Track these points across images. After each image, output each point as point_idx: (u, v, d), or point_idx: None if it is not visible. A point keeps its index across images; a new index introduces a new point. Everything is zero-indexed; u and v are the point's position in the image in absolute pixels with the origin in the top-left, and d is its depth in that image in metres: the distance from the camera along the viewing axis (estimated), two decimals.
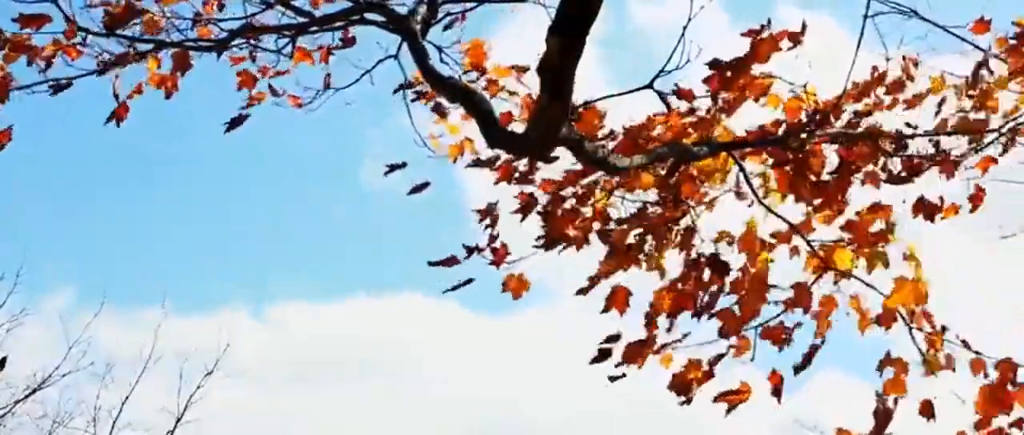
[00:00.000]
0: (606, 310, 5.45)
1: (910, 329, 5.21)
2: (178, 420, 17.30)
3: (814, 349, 5.30)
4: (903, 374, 5.22)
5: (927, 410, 5.21)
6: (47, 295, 26.16)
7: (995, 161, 5.49)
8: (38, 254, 25.74)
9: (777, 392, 5.24)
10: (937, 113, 5.51)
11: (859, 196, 5.51)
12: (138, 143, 24.44)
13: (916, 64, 5.54)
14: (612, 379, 5.32)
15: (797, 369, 5.27)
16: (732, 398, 5.24)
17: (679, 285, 5.41)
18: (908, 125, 5.49)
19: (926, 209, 5.51)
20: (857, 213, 5.42)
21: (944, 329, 5.20)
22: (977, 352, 5.18)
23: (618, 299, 5.46)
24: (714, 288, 5.34)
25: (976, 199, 5.52)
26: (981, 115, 5.50)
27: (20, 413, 16.58)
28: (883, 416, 4.00)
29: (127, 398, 17.31)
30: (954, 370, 5.21)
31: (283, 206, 26.38)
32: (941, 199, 5.52)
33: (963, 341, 5.18)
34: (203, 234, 25.56)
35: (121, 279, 24.87)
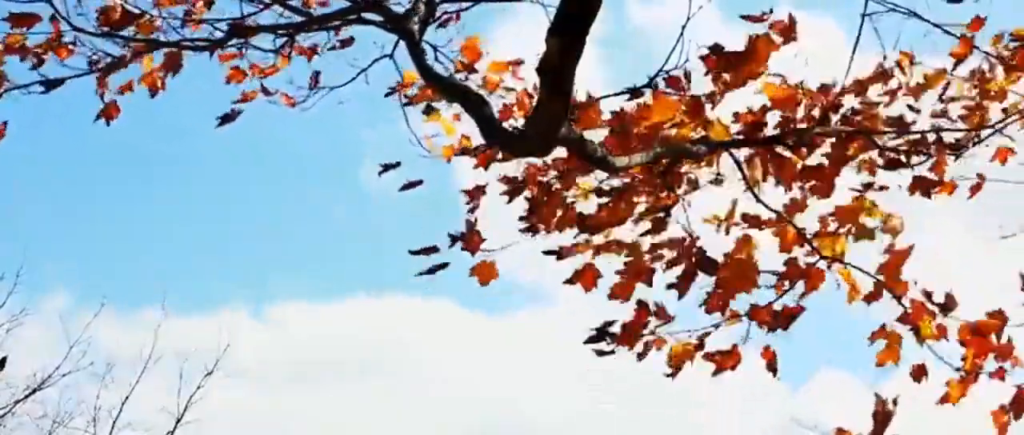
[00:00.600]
0: (571, 282, 5.47)
1: (899, 301, 5.24)
2: (178, 420, 17.31)
3: (798, 309, 5.31)
4: (896, 345, 5.29)
5: (919, 373, 5.28)
6: (46, 296, 26.05)
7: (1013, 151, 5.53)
8: (36, 255, 25.58)
9: (772, 367, 5.24)
10: (940, 97, 5.53)
11: (854, 181, 5.54)
12: (136, 143, 24.42)
13: (912, 61, 5.55)
14: (601, 353, 5.31)
15: (771, 328, 5.29)
16: (722, 360, 5.26)
17: (645, 258, 5.42)
18: (910, 108, 5.50)
19: (923, 186, 5.51)
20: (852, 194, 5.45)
21: (929, 295, 5.23)
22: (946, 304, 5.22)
23: (586, 276, 5.48)
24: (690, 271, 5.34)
25: (976, 188, 5.54)
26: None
27: (20, 413, 16.56)
28: (882, 417, 4.01)
29: (127, 398, 17.33)
30: (947, 338, 5.24)
31: (282, 206, 26.36)
32: (941, 178, 5.53)
33: (939, 304, 5.21)
34: (202, 234, 25.53)
35: (120, 279, 24.77)
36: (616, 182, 5.53)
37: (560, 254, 5.53)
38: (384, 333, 23.73)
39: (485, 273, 5.67)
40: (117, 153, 25.50)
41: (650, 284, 5.39)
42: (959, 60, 5.46)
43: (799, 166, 5.42)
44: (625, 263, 5.46)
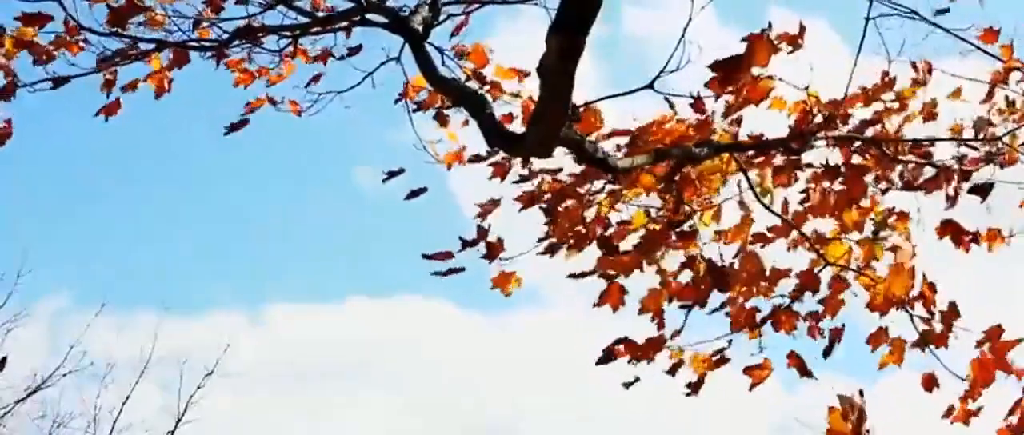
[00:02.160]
0: (599, 305, 5.42)
1: (909, 313, 5.21)
2: (179, 420, 17.51)
3: (836, 331, 5.31)
4: (900, 350, 5.29)
5: (929, 384, 5.27)
6: (43, 298, 26.02)
7: None
8: (33, 258, 25.49)
9: (805, 371, 5.21)
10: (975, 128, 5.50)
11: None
12: (133, 146, 24.49)
13: (930, 70, 5.52)
14: (627, 385, 5.30)
15: (826, 353, 5.31)
16: (756, 373, 5.24)
17: (676, 280, 5.41)
18: (930, 140, 5.49)
19: (953, 232, 5.41)
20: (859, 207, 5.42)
21: (931, 303, 5.21)
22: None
23: (612, 295, 5.42)
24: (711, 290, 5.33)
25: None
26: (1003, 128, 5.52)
27: (20, 413, 16.66)
28: (856, 414, 3.99)
29: (127, 398, 17.49)
30: (947, 346, 5.23)
31: (279, 209, 26.40)
32: (977, 233, 5.44)
33: (943, 311, 5.19)
34: (200, 237, 25.58)
35: (116, 282, 24.87)
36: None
37: (579, 275, 5.50)
38: (382, 335, 23.80)
39: (505, 282, 5.69)
40: (112, 156, 25.56)
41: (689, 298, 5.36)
42: (995, 85, 5.44)
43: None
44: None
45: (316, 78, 6.17)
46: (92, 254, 24.74)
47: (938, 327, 5.24)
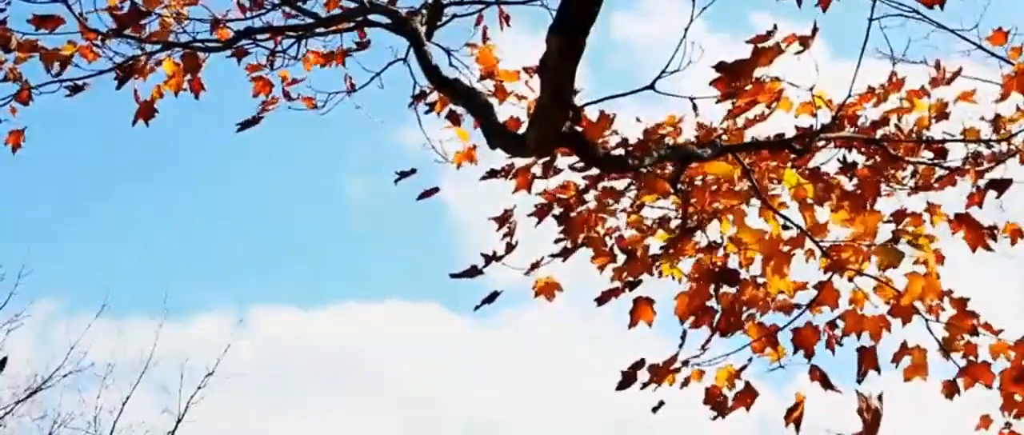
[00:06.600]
0: (632, 325, 5.32)
1: (926, 320, 5.13)
2: (179, 420, 17.60)
3: (867, 353, 5.10)
4: (923, 360, 5.13)
5: (950, 390, 5.14)
6: (41, 301, 26.12)
7: None
8: (33, 258, 25.52)
9: (828, 385, 5.07)
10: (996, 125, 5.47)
11: (885, 205, 5.47)
12: (132, 147, 24.66)
13: (958, 73, 5.50)
14: (655, 409, 5.20)
15: (860, 378, 5.09)
16: (794, 415, 5.07)
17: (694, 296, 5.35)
18: (945, 138, 5.46)
19: (969, 226, 5.24)
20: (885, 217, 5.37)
21: (964, 302, 5.10)
22: (995, 331, 5.07)
23: (643, 311, 5.33)
24: (729, 300, 5.29)
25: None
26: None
27: (20, 413, 16.78)
28: (872, 415, 3.91)
29: (127, 399, 17.58)
30: (977, 357, 5.11)
31: (269, 213, 26.57)
32: (994, 227, 5.32)
33: (986, 324, 5.07)
34: (195, 240, 25.73)
35: (115, 285, 25.08)
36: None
37: (603, 300, 5.46)
38: (377, 337, 23.98)
39: (548, 289, 5.66)
40: (112, 156, 25.80)
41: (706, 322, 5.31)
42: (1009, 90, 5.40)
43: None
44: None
45: (350, 82, 6.18)
46: (92, 255, 24.96)
47: (971, 339, 5.13)
